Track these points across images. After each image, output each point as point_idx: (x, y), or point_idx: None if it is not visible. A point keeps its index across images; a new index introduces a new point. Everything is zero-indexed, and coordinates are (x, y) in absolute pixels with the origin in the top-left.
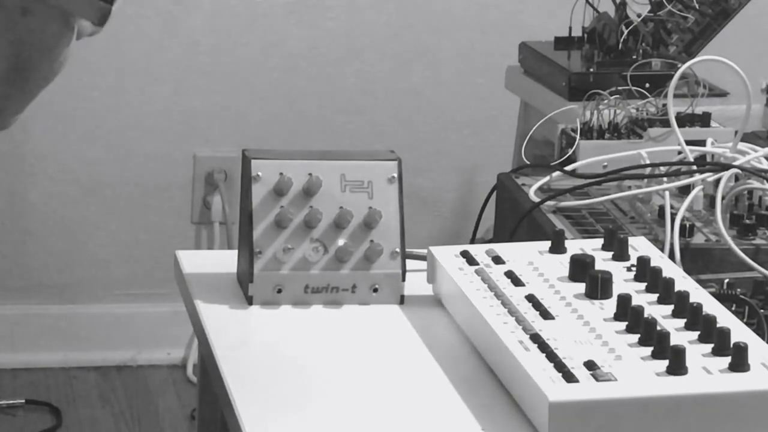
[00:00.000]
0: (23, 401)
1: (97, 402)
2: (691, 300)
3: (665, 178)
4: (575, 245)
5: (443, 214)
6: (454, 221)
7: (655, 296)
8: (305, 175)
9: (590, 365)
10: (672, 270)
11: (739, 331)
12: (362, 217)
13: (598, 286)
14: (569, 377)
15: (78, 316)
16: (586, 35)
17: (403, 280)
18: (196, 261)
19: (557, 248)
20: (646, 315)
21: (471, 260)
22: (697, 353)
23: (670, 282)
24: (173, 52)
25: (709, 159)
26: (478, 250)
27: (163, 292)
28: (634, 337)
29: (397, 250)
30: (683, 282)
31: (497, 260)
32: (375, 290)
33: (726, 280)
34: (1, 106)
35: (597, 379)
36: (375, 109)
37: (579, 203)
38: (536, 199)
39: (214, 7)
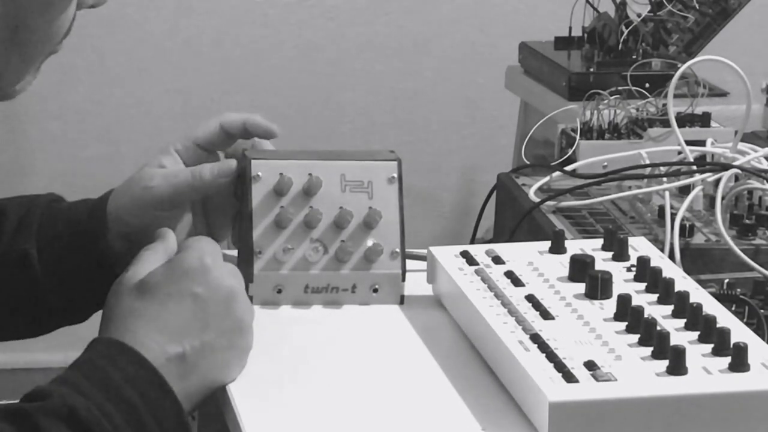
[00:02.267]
0: None
1: None
2: (691, 300)
3: (665, 178)
4: (575, 245)
5: (443, 214)
6: (454, 221)
7: (655, 296)
8: (305, 175)
9: (590, 365)
10: (672, 270)
11: (739, 331)
12: (362, 217)
13: (598, 286)
14: (569, 377)
15: None
16: (586, 35)
17: (403, 280)
18: None
19: (557, 248)
20: (646, 315)
21: (471, 260)
22: (697, 353)
23: (670, 282)
24: (173, 52)
25: (709, 159)
26: (478, 250)
27: None
28: (634, 337)
29: (397, 250)
30: (683, 282)
31: (497, 260)
32: (375, 290)
33: (726, 280)
34: (1, 71)
35: (597, 379)
36: (375, 109)
37: (579, 203)
38: (536, 199)
39: (214, 6)
